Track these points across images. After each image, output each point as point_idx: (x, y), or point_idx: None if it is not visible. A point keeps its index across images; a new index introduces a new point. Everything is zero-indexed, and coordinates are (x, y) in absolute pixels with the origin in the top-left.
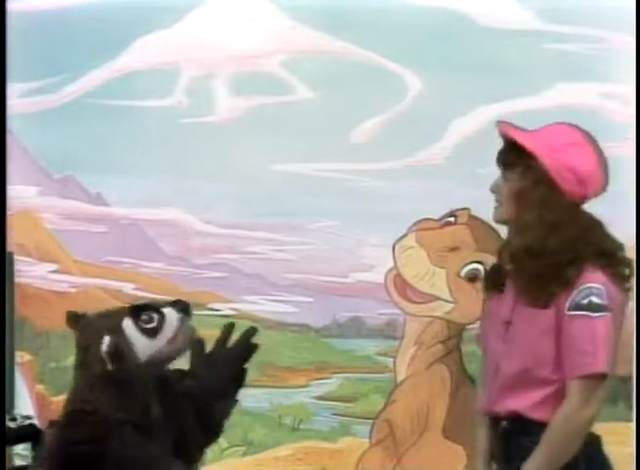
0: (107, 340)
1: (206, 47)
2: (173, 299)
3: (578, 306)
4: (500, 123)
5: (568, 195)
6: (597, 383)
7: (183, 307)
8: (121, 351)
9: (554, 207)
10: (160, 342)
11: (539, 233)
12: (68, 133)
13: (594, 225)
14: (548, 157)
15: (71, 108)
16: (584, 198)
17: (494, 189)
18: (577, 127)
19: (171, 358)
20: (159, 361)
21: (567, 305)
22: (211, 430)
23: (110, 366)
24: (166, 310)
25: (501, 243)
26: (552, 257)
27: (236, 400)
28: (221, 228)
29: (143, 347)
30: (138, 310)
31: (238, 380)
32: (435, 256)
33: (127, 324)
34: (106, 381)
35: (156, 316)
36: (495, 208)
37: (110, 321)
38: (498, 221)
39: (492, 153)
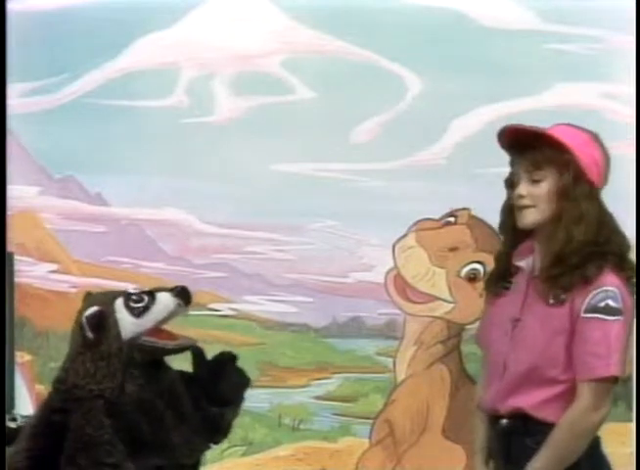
0: (92, 309)
1: (206, 47)
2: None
3: (595, 309)
4: (510, 126)
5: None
6: (608, 386)
7: (180, 293)
8: (103, 321)
9: (597, 199)
10: (147, 322)
11: (596, 224)
12: (68, 133)
13: (613, 220)
14: (580, 151)
15: (71, 108)
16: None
17: (523, 194)
18: (578, 127)
19: (159, 352)
20: (144, 345)
21: (582, 307)
22: (219, 431)
23: (89, 334)
24: (160, 294)
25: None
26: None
27: (242, 402)
28: (221, 228)
29: (128, 324)
30: (133, 292)
31: (242, 385)
32: (435, 256)
33: (119, 302)
34: (84, 350)
35: (146, 297)
36: (525, 212)
37: (105, 297)
38: (534, 224)
39: (492, 153)
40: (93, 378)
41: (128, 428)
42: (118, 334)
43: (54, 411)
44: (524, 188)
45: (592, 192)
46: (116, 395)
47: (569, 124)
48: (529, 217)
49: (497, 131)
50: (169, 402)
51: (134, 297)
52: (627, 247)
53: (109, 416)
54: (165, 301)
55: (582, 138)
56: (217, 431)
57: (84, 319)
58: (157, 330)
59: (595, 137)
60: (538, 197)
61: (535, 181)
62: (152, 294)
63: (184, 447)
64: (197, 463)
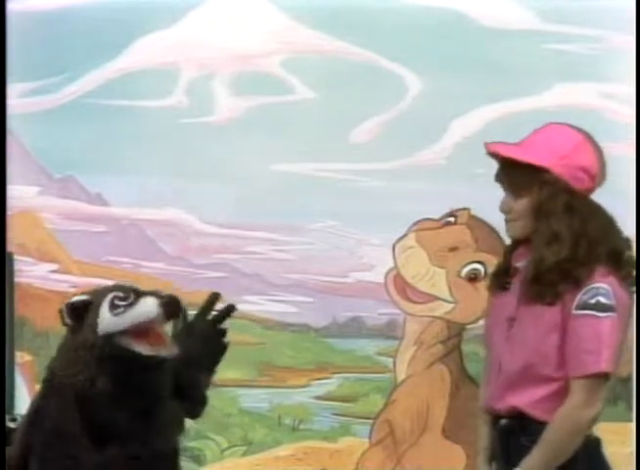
0: (77, 297)
1: (206, 47)
2: (168, 293)
3: (586, 306)
4: (489, 145)
5: (582, 192)
6: (600, 382)
7: (167, 304)
8: (83, 311)
9: (578, 210)
10: (124, 321)
11: (570, 241)
12: (68, 133)
13: (609, 220)
14: (561, 166)
15: (71, 108)
16: (593, 189)
17: (506, 209)
18: (568, 125)
19: (133, 358)
20: (117, 345)
21: (574, 304)
22: (195, 400)
23: (67, 320)
24: (146, 299)
25: (530, 254)
26: (580, 259)
27: (213, 373)
28: (221, 228)
29: (106, 320)
30: (125, 288)
31: (217, 354)
32: (435, 256)
33: (109, 298)
34: (66, 338)
35: (131, 298)
36: (510, 225)
37: (103, 289)
38: (515, 237)
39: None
40: (69, 368)
41: (99, 420)
42: (94, 327)
43: (42, 402)
44: (506, 203)
45: (573, 203)
46: (87, 387)
47: (560, 125)
48: (512, 231)
49: (484, 144)
50: (142, 391)
51: (120, 294)
52: (625, 245)
53: (79, 408)
54: (148, 307)
55: (568, 146)
56: (193, 401)
57: (64, 305)
58: (143, 332)
59: (585, 139)
60: (519, 212)
61: (518, 197)
62: (138, 295)
63: (159, 435)
64: (175, 451)
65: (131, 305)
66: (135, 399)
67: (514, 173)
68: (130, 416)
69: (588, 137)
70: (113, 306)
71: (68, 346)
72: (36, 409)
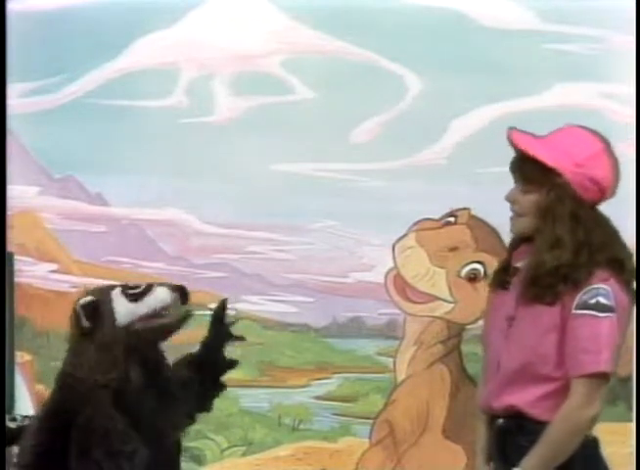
0: (87, 297)
1: (206, 47)
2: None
3: (586, 306)
4: (512, 132)
5: (589, 202)
6: (599, 383)
7: (177, 288)
8: (98, 309)
9: (584, 219)
10: (142, 308)
11: (572, 249)
12: (68, 133)
13: (613, 231)
14: (572, 173)
15: (71, 108)
16: (601, 201)
17: (511, 200)
18: (592, 131)
19: (157, 332)
20: (141, 330)
21: (574, 304)
22: (212, 397)
23: (84, 322)
24: (158, 287)
25: (530, 256)
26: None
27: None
28: (221, 228)
29: (123, 309)
30: (132, 283)
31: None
32: (435, 256)
33: (116, 291)
34: (82, 340)
35: (143, 285)
36: (514, 219)
37: (103, 288)
38: (518, 233)
39: (492, 153)
40: (97, 368)
41: (131, 414)
42: (113, 322)
43: (59, 406)
44: (513, 194)
45: (579, 211)
46: (123, 384)
47: (585, 130)
48: (517, 225)
49: (507, 129)
50: (163, 383)
51: (132, 285)
52: (626, 256)
53: (115, 405)
54: (162, 293)
55: (586, 154)
56: (209, 397)
57: (79, 307)
58: (151, 317)
59: (605, 151)
60: (525, 208)
61: (525, 192)
62: (150, 284)
63: (169, 425)
64: (179, 442)
65: (145, 292)
66: (161, 383)
67: (528, 166)
68: (154, 406)
69: (608, 149)
70: (127, 296)
71: (84, 348)
72: (63, 413)
